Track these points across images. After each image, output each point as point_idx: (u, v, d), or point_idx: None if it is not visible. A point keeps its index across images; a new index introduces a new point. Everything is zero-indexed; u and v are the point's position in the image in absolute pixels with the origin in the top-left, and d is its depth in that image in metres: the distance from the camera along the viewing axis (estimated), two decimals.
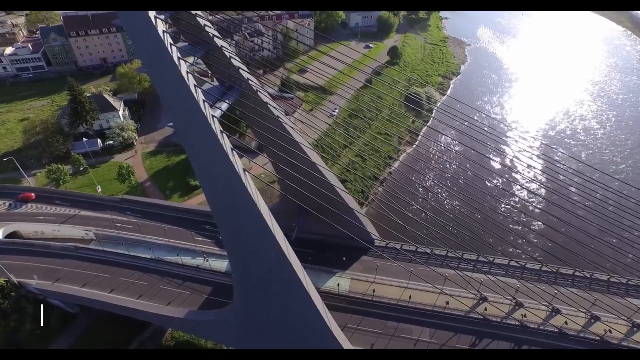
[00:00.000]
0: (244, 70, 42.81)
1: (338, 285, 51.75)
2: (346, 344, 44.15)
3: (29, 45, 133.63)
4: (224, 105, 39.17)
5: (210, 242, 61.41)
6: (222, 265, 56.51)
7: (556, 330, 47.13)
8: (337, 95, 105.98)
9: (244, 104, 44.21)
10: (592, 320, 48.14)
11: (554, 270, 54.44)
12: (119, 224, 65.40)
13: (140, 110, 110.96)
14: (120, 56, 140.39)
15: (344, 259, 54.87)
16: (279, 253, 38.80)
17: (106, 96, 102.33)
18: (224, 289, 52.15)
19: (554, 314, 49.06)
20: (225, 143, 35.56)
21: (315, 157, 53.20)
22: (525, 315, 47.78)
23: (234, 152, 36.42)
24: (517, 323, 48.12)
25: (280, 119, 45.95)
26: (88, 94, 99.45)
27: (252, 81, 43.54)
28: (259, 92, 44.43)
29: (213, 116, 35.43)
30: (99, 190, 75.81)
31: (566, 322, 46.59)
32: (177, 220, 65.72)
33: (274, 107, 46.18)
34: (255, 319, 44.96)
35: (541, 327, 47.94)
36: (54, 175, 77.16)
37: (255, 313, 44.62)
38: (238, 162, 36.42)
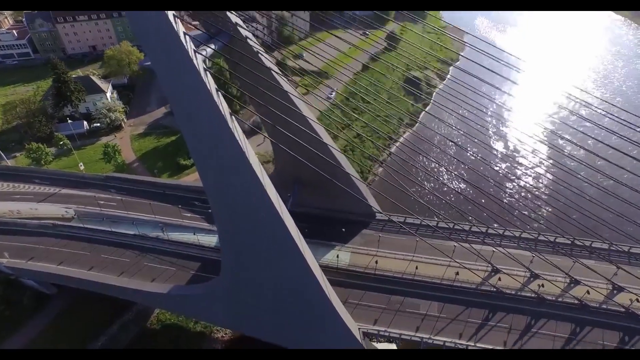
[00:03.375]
0: (233, 14, 38.78)
1: (337, 257, 47.54)
2: (347, 318, 39.97)
3: (14, 31, 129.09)
4: (212, 46, 35.10)
5: (200, 218, 57.08)
6: (211, 240, 52.14)
7: (576, 301, 43.15)
8: (333, 79, 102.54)
9: (232, 57, 39.99)
10: (615, 292, 44.26)
11: (570, 242, 50.43)
12: (102, 202, 60.98)
13: (130, 94, 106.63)
14: (110, 43, 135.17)
15: (344, 230, 50.71)
16: (270, 211, 34.69)
17: (93, 78, 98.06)
18: (213, 265, 47.72)
19: (572, 285, 45.15)
20: (209, 82, 31.43)
21: (313, 123, 49.07)
22: (543, 285, 43.77)
23: (219, 93, 32.30)
24: (533, 295, 44.13)
25: (272, 71, 41.81)
26: (74, 76, 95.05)
27: (241, 27, 39.45)
28: (249, 40, 40.34)
29: (195, 51, 31.31)
30: (82, 168, 71.27)
31: (588, 292, 42.55)
32: (165, 197, 61.31)
33: (266, 59, 42.10)
34: (244, 288, 40.70)
35: (559, 299, 44.00)
36: (34, 154, 72.60)
37: (244, 281, 40.37)
38: (224, 105, 32.30)
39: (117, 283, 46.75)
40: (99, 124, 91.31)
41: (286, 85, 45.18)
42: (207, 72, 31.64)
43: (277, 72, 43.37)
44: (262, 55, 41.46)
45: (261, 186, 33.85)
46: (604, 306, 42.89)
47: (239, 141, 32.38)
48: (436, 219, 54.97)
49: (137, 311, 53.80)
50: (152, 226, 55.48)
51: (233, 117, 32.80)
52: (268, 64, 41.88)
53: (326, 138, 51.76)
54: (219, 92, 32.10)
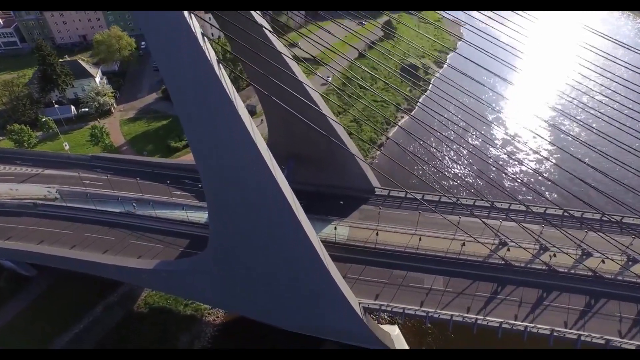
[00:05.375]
0: None
1: (335, 229, 44.74)
2: (347, 291, 37.15)
3: None
4: None
5: (189, 196, 54.19)
6: (201, 216, 49.20)
7: (590, 273, 40.59)
8: (328, 67, 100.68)
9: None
10: (630, 263, 41.79)
11: (579, 216, 47.89)
12: (87, 182, 57.85)
13: (120, 81, 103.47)
14: None
15: (341, 202, 47.90)
16: (263, 173, 31.92)
17: (81, 62, 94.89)
18: (203, 241, 44.88)
19: (584, 257, 42.60)
20: (194, 24, 28.59)
21: (311, 91, 46.23)
22: (555, 255, 41.12)
23: (206, 38, 29.47)
24: (543, 267, 41.53)
25: (264, 28, 39.00)
26: (61, 60, 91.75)
27: None
28: None
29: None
30: (67, 148, 68.00)
31: (603, 261, 39.95)
32: (154, 176, 58.32)
33: (258, 14, 39.29)
34: (233, 260, 37.76)
35: (571, 271, 41.44)
36: (16, 136, 69.28)
37: (233, 252, 37.33)
38: (210, 51, 29.47)
39: (98, 260, 43.70)
40: (87, 109, 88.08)
41: (282, 49, 42.45)
42: (192, 15, 28.73)
43: (270, 30, 40.60)
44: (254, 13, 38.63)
45: (250, 137, 31.08)
46: (620, 277, 40.41)
47: (226, 88, 29.53)
48: (439, 193, 52.41)
49: (122, 293, 50.66)
50: (139, 204, 52.44)
51: (220, 65, 29.94)
52: (259, 20, 39.05)
53: (325, 109, 49.09)
54: (205, 38, 29.24)
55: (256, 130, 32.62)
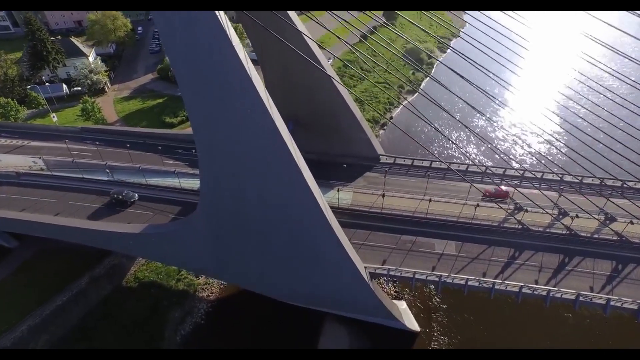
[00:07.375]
0: None
1: (338, 191, 41.45)
2: (353, 254, 33.94)
3: None
4: None
5: (182, 165, 51.02)
6: (194, 183, 45.97)
7: (615, 237, 37.42)
8: (329, 50, 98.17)
9: None
10: None
11: (598, 183, 44.71)
12: (75, 152, 54.67)
13: (115, 62, 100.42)
14: None
15: (344, 165, 44.68)
16: (258, 111, 28.76)
17: (75, 41, 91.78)
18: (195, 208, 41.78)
19: (608, 222, 39.39)
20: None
21: (315, 49, 43.02)
22: (577, 216, 37.80)
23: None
24: (564, 232, 38.34)
25: None
26: (52, 38, 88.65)
27: None
28: None
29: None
30: (55, 120, 64.79)
31: (632, 222, 36.71)
32: (146, 146, 55.01)
33: None
34: (226, 218, 34.47)
35: (595, 236, 38.26)
36: (2, 109, 66.09)
37: (227, 204, 33.94)
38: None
39: (83, 226, 40.47)
40: (79, 88, 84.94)
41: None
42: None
43: None
44: None
45: (245, 73, 27.86)
46: None
47: (221, 22, 26.37)
48: (448, 161, 49.38)
49: (110, 266, 47.26)
50: (130, 173, 49.30)
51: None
52: None
53: (329, 70, 46.02)
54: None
55: (254, 74, 29.39)
